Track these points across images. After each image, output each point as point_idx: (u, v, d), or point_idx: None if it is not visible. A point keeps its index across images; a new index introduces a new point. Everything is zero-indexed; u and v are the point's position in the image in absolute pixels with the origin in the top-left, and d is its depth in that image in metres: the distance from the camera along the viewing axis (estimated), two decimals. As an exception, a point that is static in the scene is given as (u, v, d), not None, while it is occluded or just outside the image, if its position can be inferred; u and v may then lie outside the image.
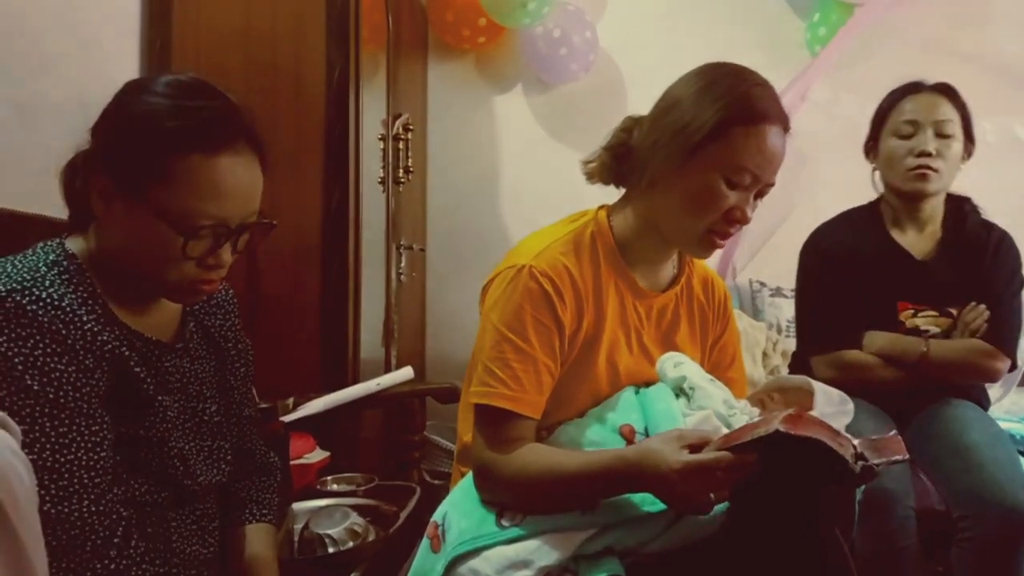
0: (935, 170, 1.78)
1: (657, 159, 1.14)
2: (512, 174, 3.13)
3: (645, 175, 1.16)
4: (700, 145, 1.11)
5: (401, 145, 2.43)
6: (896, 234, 1.89)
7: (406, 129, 2.44)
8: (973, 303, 1.81)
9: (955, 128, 1.81)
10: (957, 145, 1.81)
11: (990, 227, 1.88)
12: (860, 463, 0.93)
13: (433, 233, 3.14)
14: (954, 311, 1.84)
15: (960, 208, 1.89)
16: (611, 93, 3.05)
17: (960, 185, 1.92)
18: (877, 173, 1.92)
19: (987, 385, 2.00)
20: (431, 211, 3.14)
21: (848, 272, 1.84)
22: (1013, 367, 1.83)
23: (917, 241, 1.88)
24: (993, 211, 1.93)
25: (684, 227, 1.16)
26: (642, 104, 1.22)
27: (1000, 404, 2.36)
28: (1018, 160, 2.61)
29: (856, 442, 0.97)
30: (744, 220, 1.14)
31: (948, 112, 1.81)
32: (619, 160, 1.22)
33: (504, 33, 3.02)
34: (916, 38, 2.51)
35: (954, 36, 2.55)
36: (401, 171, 2.44)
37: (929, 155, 1.78)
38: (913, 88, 1.87)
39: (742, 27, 2.97)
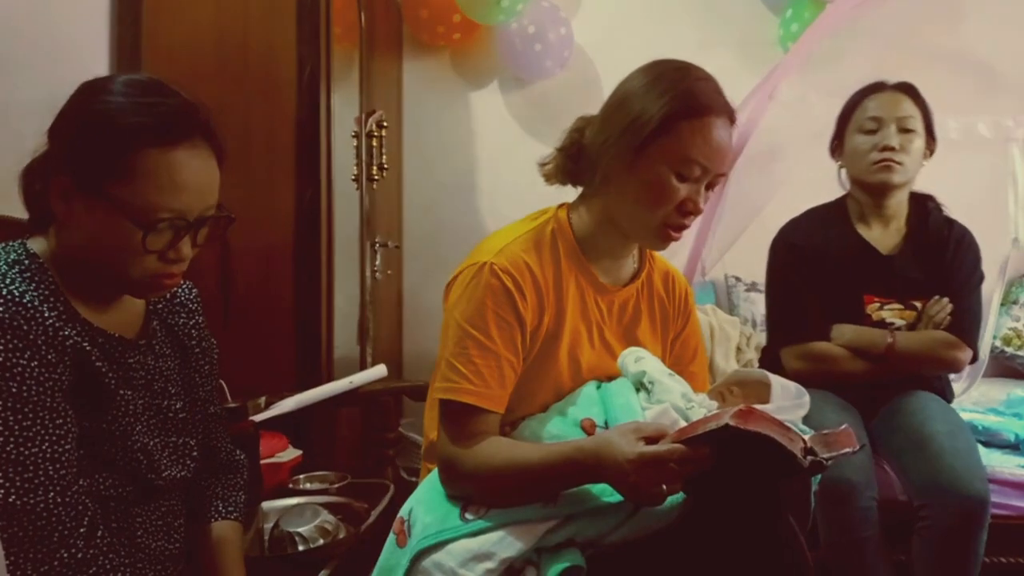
0: (899, 163, 1.84)
1: (608, 156, 1.17)
2: (488, 170, 3.14)
3: (598, 172, 1.19)
4: (648, 140, 1.14)
5: (375, 142, 2.44)
6: (862, 229, 1.93)
7: (380, 126, 2.44)
8: (936, 297, 1.87)
9: (917, 124, 1.87)
10: (919, 141, 1.87)
11: (952, 224, 1.93)
12: (809, 458, 0.96)
13: (409, 230, 3.14)
14: (918, 304, 1.89)
15: (923, 205, 1.95)
16: (586, 89, 3.06)
17: (920, 181, 1.97)
18: (843, 171, 1.98)
19: (951, 378, 2.04)
20: (407, 208, 3.15)
21: (817, 266, 1.89)
22: (975, 359, 1.89)
23: (882, 236, 1.92)
24: (954, 207, 1.98)
25: (639, 220, 1.19)
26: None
27: (968, 395, 2.41)
28: (980, 157, 2.65)
29: (807, 437, 0.99)
30: (696, 211, 1.17)
31: (910, 109, 1.88)
32: (573, 160, 1.24)
33: (479, 30, 3.02)
34: (886, 36, 2.53)
35: (924, 34, 2.57)
36: (375, 168, 2.44)
37: (892, 149, 1.83)
38: (877, 87, 1.93)
39: (716, 23, 2.99)
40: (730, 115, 1.18)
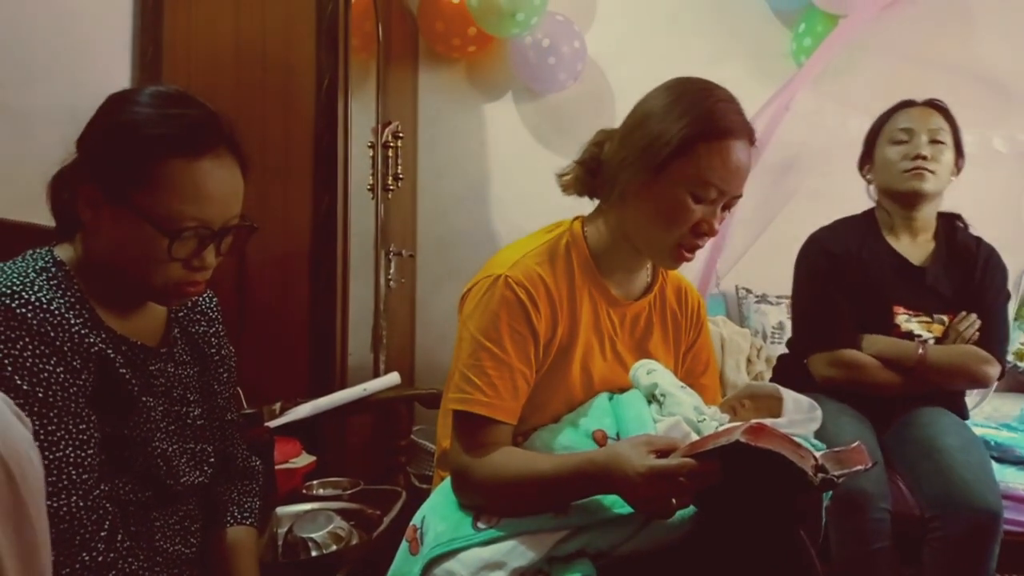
0: (931, 171, 1.84)
1: (627, 174, 1.17)
2: (501, 181, 3.16)
3: (616, 189, 1.20)
4: (667, 161, 1.14)
5: (391, 153, 2.46)
6: (892, 241, 1.94)
7: (396, 137, 2.47)
8: (964, 312, 1.87)
9: (947, 138, 1.88)
10: (949, 154, 1.88)
11: (980, 241, 1.94)
12: (820, 475, 0.96)
13: (423, 239, 3.16)
14: (944, 319, 1.89)
15: (951, 222, 1.96)
16: (599, 102, 3.08)
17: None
18: (871, 186, 1.99)
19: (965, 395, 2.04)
20: (421, 217, 3.17)
21: (850, 274, 1.89)
22: (1002, 375, 1.89)
23: (912, 248, 1.93)
24: (969, 220, 1.98)
25: (654, 239, 1.19)
26: (629, 114, 1.24)
27: (981, 409, 2.40)
28: (995, 171, 2.65)
29: (818, 454, 0.99)
30: (711, 233, 1.17)
31: (940, 123, 1.89)
32: (591, 174, 1.25)
33: (494, 42, 3.05)
34: (899, 50, 2.54)
35: (936, 48, 2.58)
36: (391, 178, 2.47)
37: (924, 157, 1.84)
38: (907, 103, 1.95)
39: (729, 37, 3.00)
40: (750, 136, 1.18)
